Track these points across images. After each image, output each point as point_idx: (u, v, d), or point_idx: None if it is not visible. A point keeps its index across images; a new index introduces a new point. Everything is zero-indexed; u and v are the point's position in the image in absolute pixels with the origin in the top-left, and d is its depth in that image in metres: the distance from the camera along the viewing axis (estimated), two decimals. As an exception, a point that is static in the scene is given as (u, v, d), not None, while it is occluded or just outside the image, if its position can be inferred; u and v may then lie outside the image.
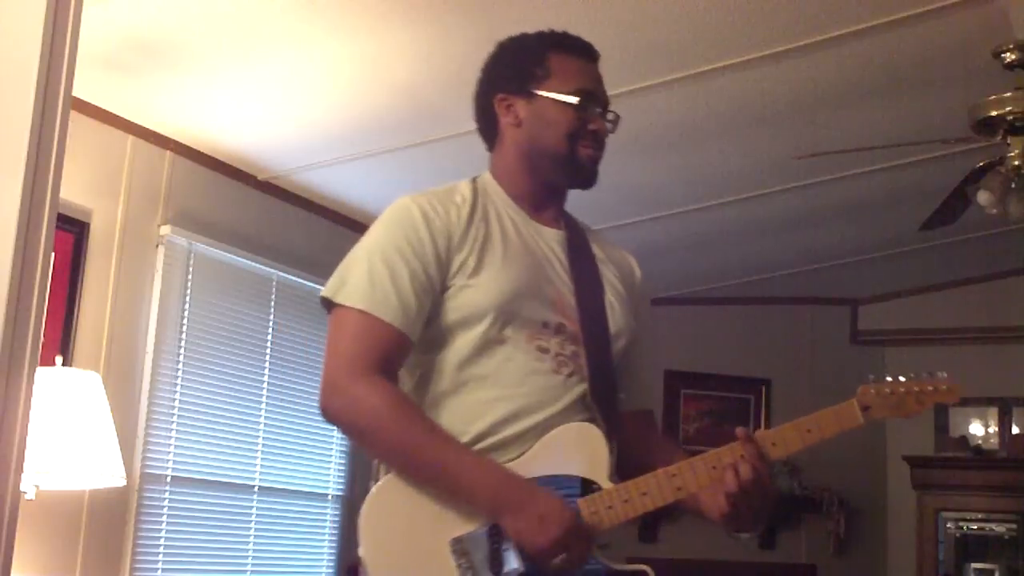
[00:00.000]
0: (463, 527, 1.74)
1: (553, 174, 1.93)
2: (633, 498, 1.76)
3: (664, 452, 1.91)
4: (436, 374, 1.83)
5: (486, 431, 1.78)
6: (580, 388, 1.83)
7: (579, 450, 1.78)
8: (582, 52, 1.97)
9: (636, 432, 1.96)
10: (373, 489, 1.78)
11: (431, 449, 1.74)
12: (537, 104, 1.92)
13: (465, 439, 1.77)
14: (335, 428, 4.75)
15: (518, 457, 1.77)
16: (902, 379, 1.85)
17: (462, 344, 1.81)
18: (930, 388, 1.84)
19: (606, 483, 1.77)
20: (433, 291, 1.81)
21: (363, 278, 1.80)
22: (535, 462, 1.76)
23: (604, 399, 1.85)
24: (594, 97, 1.93)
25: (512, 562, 1.72)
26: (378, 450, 1.81)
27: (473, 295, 1.81)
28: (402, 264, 1.80)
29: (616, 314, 1.93)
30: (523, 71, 1.94)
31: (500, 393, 1.79)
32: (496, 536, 1.73)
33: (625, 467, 1.85)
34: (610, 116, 1.95)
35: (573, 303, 1.88)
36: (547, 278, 1.88)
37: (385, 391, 1.75)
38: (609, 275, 1.97)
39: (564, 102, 1.90)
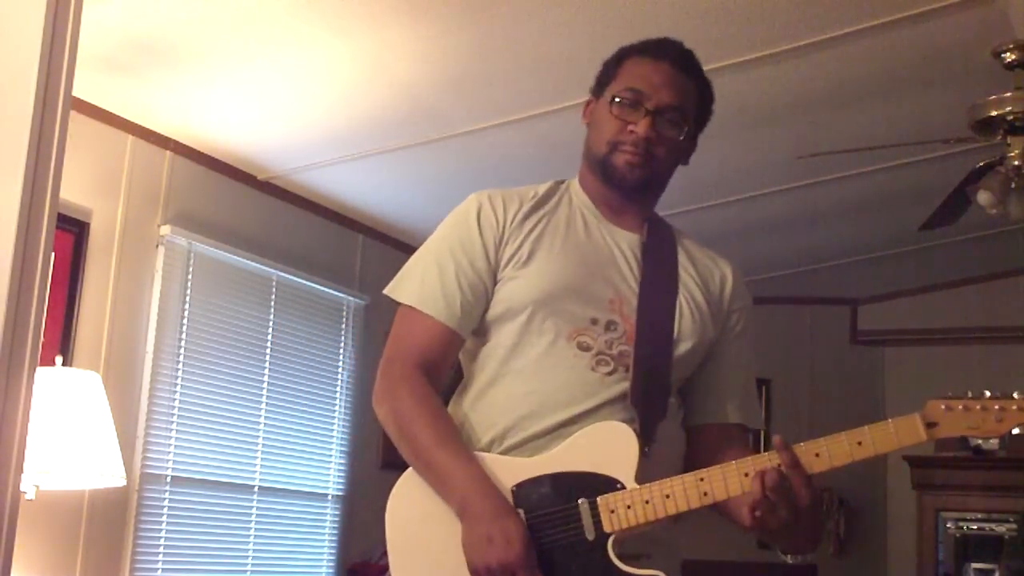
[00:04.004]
0: None
1: (601, 177, 1.86)
2: (655, 499, 1.67)
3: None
4: (485, 364, 1.83)
5: (512, 425, 1.76)
6: (619, 388, 1.76)
7: (608, 449, 1.72)
8: (655, 53, 1.85)
9: (715, 444, 1.85)
10: (398, 480, 1.81)
11: (431, 451, 1.74)
12: (597, 105, 1.88)
13: (493, 432, 1.77)
14: (332, 427, 4.73)
15: (545, 452, 1.74)
16: (983, 395, 1.71)
17: (504, 336, 1.81)
18: (1014, 408, 1.69)
19: (631, 483, 1.69)
20: (483, 283, 1.82)
21: (415, 275, 1.85)
22: (562, 458, 1.72)
23: (647, 401, 1.77)
24: (643, 97, 1.80)
25: None
26: (396, 439, 1.81)
27: (516, 287, 1.80)
28: (450, 260, 1.82)
29: (684, 319, 1.84)
30: (602, 75, 1.90)
31: (532, 387, 1.76)
32: None
33: None
34: (672, 117, 1.80)
35: (634, 304, 1.81)
36: (606, 276, 1.82)
37: (412, 389, 1.78)
38: (689, 281, 1.88)
39: (608, 101, 1.82)
